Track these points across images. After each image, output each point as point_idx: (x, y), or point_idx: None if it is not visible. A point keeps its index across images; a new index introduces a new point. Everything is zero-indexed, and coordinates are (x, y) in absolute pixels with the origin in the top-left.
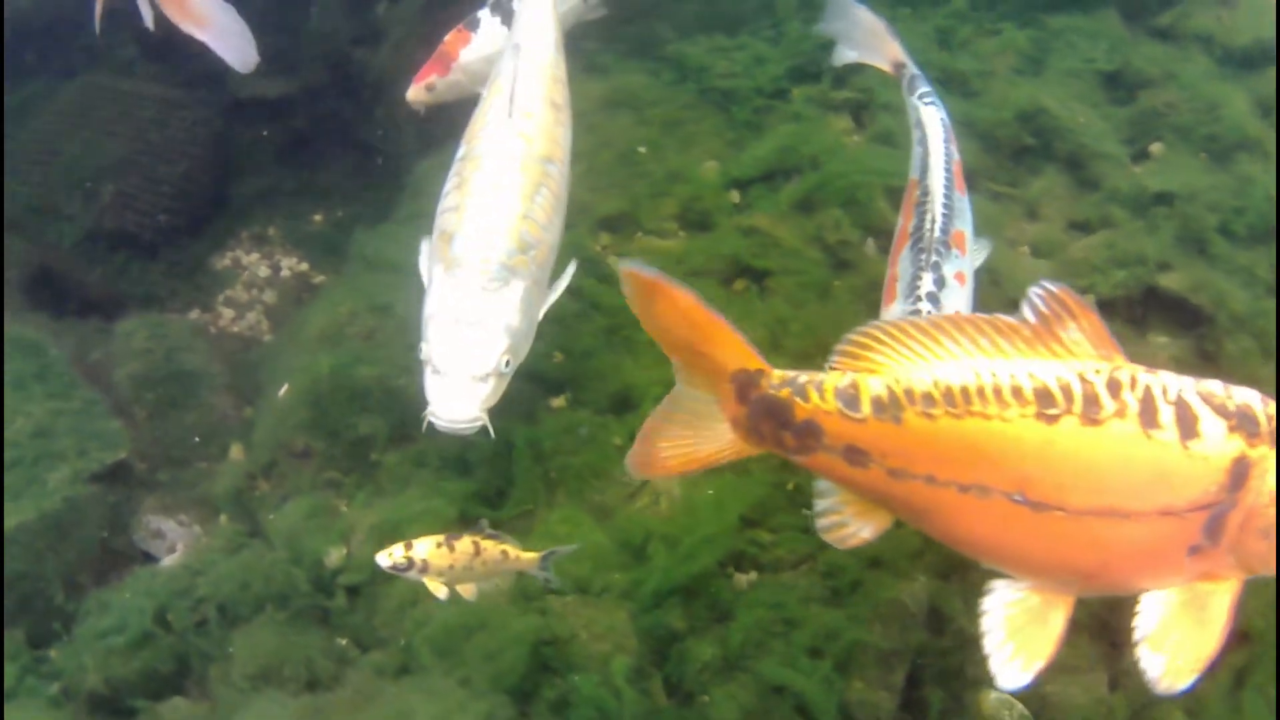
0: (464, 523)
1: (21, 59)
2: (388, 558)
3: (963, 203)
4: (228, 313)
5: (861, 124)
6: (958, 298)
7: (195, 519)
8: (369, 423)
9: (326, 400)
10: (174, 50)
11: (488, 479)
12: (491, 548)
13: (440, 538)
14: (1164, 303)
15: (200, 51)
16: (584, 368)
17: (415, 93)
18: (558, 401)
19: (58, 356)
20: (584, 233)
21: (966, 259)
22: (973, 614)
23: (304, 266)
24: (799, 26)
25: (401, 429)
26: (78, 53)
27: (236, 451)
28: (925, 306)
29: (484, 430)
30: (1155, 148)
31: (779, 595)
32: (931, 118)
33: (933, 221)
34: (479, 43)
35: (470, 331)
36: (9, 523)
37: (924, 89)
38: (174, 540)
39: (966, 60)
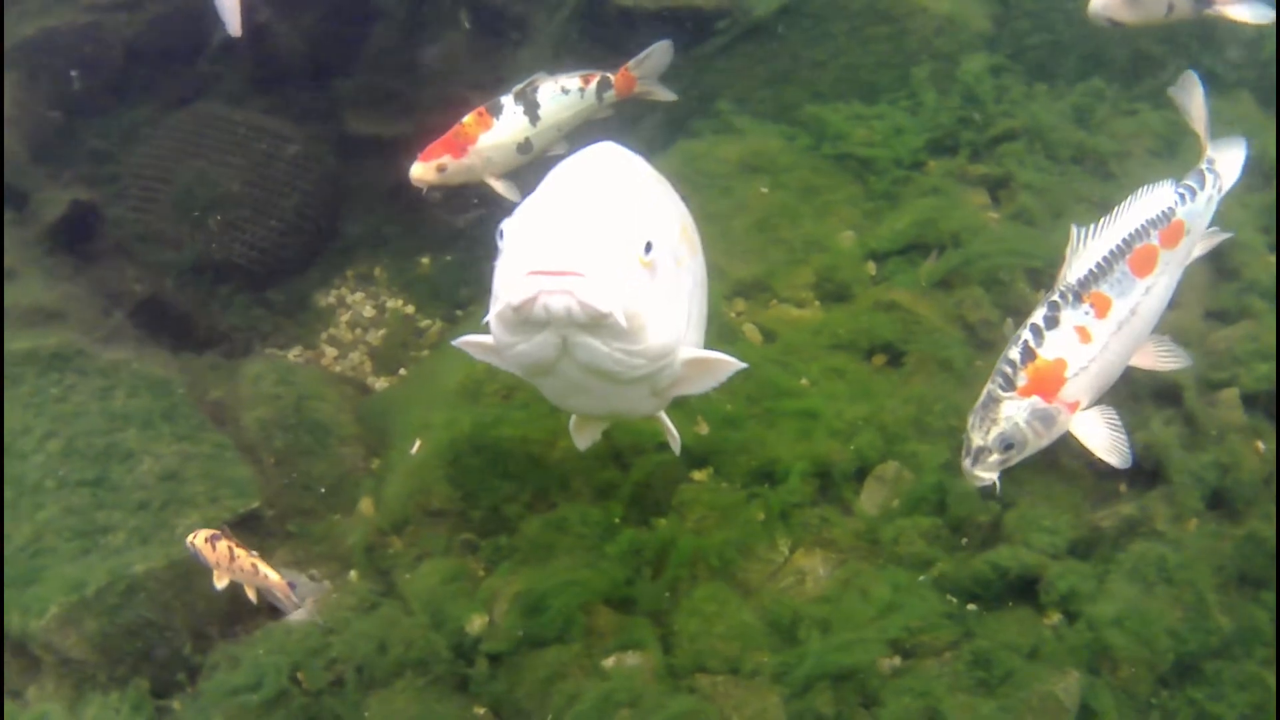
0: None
1: (130, 83)
2: (191, 538)
3: (1128, 280)
4: (330, 351)
5: (998, 200)
6: (1068, 348)
7: (325, 573)
8: (509, 486)
9: (465, 460)
10: (286, 82)
11: (630, 552)
12: (244, 557)
13: (213, 532)
14: None
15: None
16: (726, 439)
17: (423, 171)
18: (700, 474)
19: (184, 396)
20: (718, 298)
21: (1104, 324)
22: (1124, 711)
23: (409, 309)
24: (935, 98)
25: (542, 494)
26: (188, 80)
27: (366, 505)
28: (1026, 335)
29: (616, 329)
30: None
31: (926, 683)
32: (1160, 197)
33: (1072, 269)
34: (500, 130)
35: (581, 192)
36: (138, 568)
37: (1190, 181)
38: (303, 595)
39: (1104, 141)
